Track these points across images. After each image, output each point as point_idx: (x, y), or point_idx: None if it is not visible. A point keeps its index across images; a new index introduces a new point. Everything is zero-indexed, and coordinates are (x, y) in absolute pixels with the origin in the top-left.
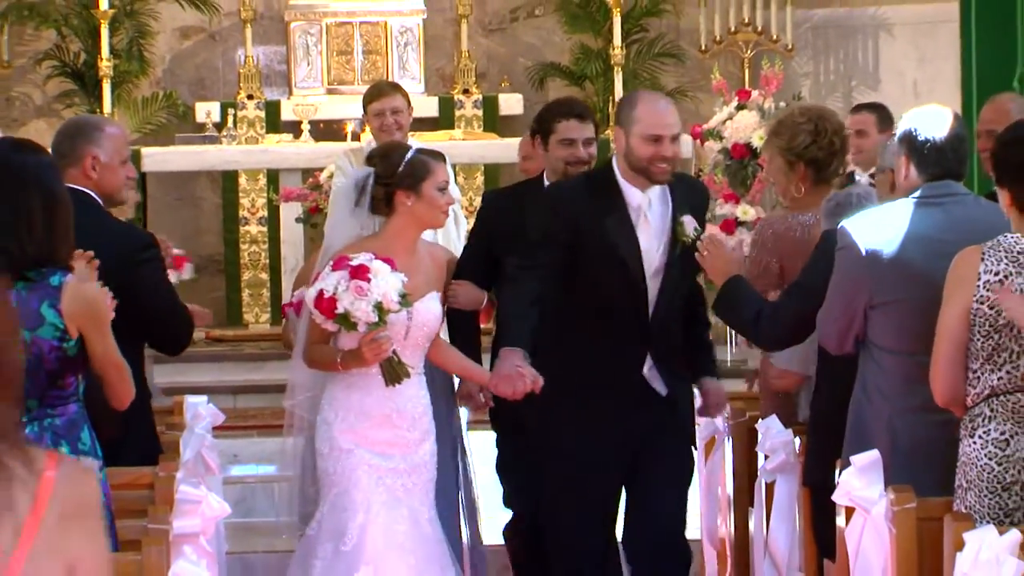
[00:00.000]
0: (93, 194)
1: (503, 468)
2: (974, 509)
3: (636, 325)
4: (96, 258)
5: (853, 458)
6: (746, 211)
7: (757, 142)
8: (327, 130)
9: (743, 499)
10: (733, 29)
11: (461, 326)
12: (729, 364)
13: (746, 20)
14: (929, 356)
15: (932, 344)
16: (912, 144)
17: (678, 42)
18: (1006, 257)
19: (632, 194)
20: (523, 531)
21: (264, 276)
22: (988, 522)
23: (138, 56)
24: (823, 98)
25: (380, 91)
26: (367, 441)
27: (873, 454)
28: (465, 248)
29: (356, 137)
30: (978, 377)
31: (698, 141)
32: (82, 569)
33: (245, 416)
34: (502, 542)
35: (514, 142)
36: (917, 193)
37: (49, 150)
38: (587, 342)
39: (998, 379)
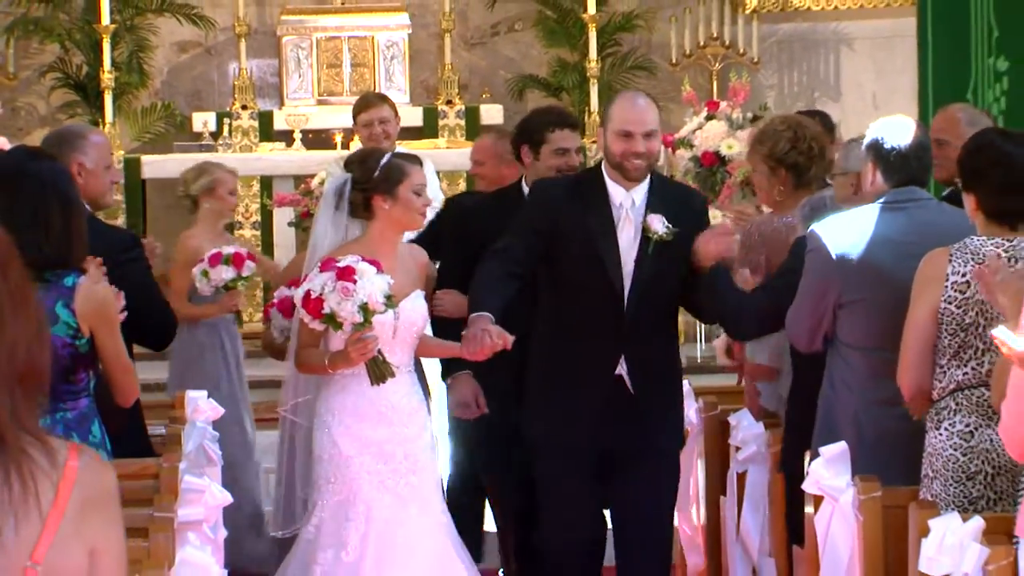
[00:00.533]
0: None
1: (489, 468)
2: (940, 497)
3: (612, 323)
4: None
5: (821, 449)
6: (715, 215)
7: (725, 150)
8: (317, 139)
9: (715, 489)
10: (702, 43)
11: (449, 333)
12: (700, 360)
13: (714, 35)
14: (894, 352)
15: (897, 341)
16: (879, 152)
17: (650, 56)
18: (972, 259)
19: (616, 192)
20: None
21: (257, 278)
22: (953, 510)
23: (138, 69)
24: (788, 108)
25: (369, 102)
26: (366, 444)
27: (841, 445)
28: (444, 256)
29: (346, 145)
30: (944, 372)
31: (670, 149)
32: (103, 554)
33: None
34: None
35: None
36: (883, 198)
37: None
38: (564, 339)
39: (964, 374)
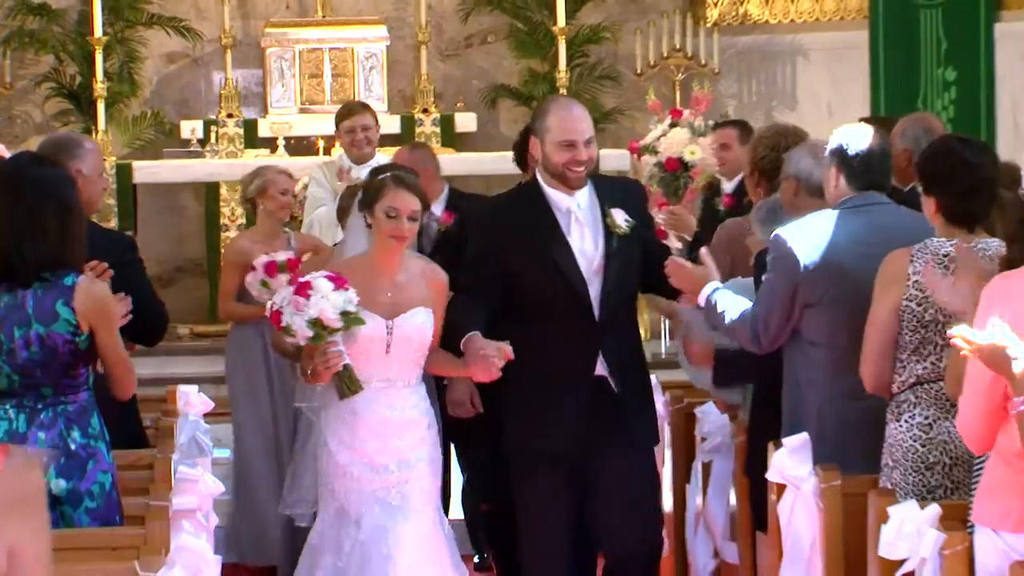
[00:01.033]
0: None
1: (470, 467)
2: (899, 486)
3: (585, 325)
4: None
5: (784, 440)
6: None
7: (688, 156)
8: (300, 145)
9: (681, 477)
10: (666, 54)
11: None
12: (664, 356)
13: (677, 46)
14: (855, 348)
15: (858, 337)
16: (843, 157)
17: (616, 66)
18: (932, 259)
19: (559, 199)
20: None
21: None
22: (912, 498)
23: (129, 79)
24: (747, 117)
25: (351, 110)
26: (359, 455)
27: (803, 436)
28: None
29: (328, 151)
30: (904, 367)
31: (635, 155)
32: (21, 553)
33: (227, 403)
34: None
35: (470, 156)
36: (845, 202)
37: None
38: (540, 348)
39: (923, 369)
